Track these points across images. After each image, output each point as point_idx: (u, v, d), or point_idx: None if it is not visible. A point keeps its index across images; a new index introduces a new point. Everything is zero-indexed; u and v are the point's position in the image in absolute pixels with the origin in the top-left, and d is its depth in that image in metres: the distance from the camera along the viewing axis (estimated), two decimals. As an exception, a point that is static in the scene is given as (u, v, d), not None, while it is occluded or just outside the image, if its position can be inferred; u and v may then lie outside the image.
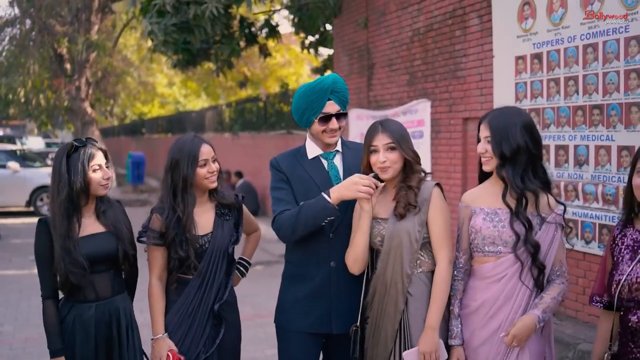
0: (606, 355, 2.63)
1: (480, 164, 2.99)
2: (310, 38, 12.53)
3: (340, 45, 9.99)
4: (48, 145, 34.19)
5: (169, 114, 30.74)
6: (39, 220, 3.12)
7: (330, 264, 3.12)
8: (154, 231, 3.15)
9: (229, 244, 3.23)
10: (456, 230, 3.03)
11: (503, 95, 6.16)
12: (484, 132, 2.85)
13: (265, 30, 12.26)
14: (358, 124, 9.16)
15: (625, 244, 2.59)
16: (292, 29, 12.33)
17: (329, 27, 11.52)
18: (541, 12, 5.68)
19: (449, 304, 2.93)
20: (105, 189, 3.12)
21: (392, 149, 2.93)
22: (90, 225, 3.13)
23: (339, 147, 3.26)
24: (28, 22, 19.16)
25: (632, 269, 2.51)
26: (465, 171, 6.97)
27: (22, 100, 19.16)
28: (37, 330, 6.04)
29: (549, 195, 2.86)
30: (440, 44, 7.30)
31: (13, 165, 15.53)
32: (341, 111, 3.16)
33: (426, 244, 2.93)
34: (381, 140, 2.95)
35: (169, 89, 32.30)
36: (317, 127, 3.15)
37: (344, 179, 3.11)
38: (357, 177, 2.92)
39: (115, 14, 20.73)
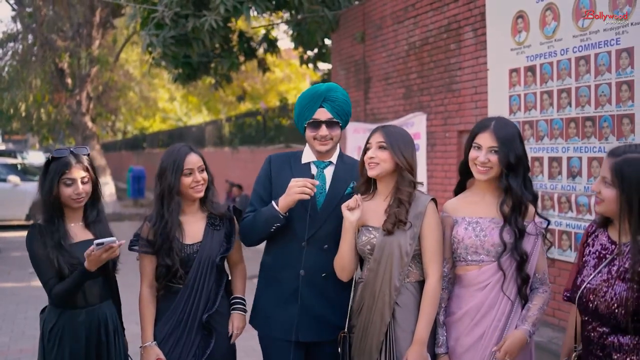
0: (573, 355, 2.63)
1: (464, 173, 3.01)
2: (309, 53, 12.61)
3: (337, 59, 10.05)
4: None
5: (169, 128, 30.84)
6: (31, 225, 3.12)
7: (299, 272, 3.13)
8: (143, 239, 3.16)
9: (217, 254, 3.21)
10: None
11: (497, 108, 6.18)
12: (488, 141, 2.84)
13: (264, 45, 12.35)
14: (355, 137, 9.18)
15: (594, 247, 2.59)
16: (292, 44, 12.41)
17: (327, 41, 11.61)
18: (534, 25, 5.73)
19: None
20: (77, 203, 3.10)
21: (383, 147, 2.94)
22: (80, 233, 3.15)
23: (333, 159, 3.26)
24: (30, 37, 19.27)
25: (592, 277, 2.49)
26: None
27: (24, 114, 19.22)
28: (32, 342, 6.05)
29: (534, 207, 2.90)
30: (435, 58, 7.34)
31: (14, 178, 15.53)
32: (332, 119, 3.16)
33: (416, 256, 2.93)
34: (375, 138, 2.98)
35: (170, 104, 32.41)
36: (308, 133, 3.19)
37: (327, 193, 3.17)
38: (292, 182, 3.01)
39: (116, 29, 20.84)
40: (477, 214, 2.90)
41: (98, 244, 2.84)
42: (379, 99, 8.72)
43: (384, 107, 8.59)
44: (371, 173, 2.96)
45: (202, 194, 3.22)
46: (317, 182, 3.03)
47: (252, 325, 3.32)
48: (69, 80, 18.92)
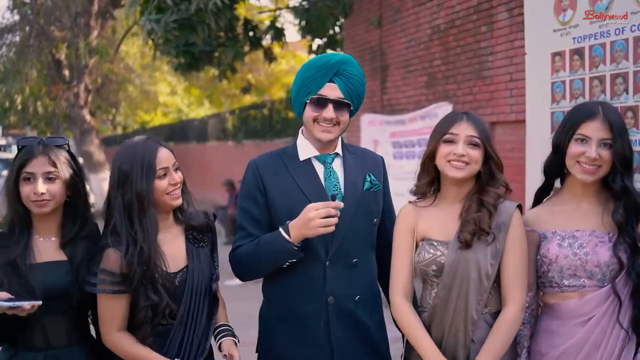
0: None
1: (550, 174, 2.37)
2: (318, 41, 12.01)
3: (351, 46, 9.45)
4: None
5: (171, 122, 30.28)
6: None
7: (327, 300, 2.44)
8: (111, 273, 2.31)
9: (210, 278, 2.49)
10: None
11: (537, 96, 5.55)
12: (600, 132, 2.22)
13: (270, 33, 11.78)
14: (370, 130, 8.56)
15: None
16: (298, 36, 11.86)
17: (337, 29, 11.03)
18: (582, 1, 5.07)
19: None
20: (37, 207, 2.35)
21: (476, 145, 2.29)
22: (49, 251, 2.40)
23: (338, 150, 2.58)
24: (27, 28, 18.68)
25: None
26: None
27: (19, 107, 18.60)
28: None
29: None
30: (463, 42, 6.75)
31: (6, 173, 14.98)
32: (343, 99, 2.46)
33: (495, 278, 2.28)
34: (465, 130, 2.31)
35: (172, 98, 31.83)
36: (308, 112, 2.48)
37: (345, 191, 2.45)
38: (311, 211, 2.27)
39: (115, 19, 20.21)
40: (572, 226, 2.27)
41: (8, 301, 2.13)
42: (397, 89, 8.10)
43: (403, 97, 7.97)
44: (457, 175, 2.30)
45: (180, 200, 2.47)
46: (341, 205, 2.32)
47: None
48: (67, 72, 18.31)
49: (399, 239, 2.41)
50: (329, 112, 2.45)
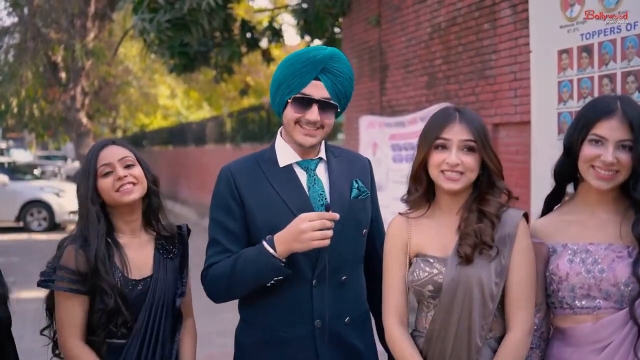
0: None
1: (561, 179, 2.09)
2: (317, 42, 11.80)
3: (349, 46, 9.23)
4: (48, 157, 33.50)
5: (170, 125, 30.09)
6: None
7: (314, 324, 2.18)
8: (67, 270, 2.19)
9: (176, 293, 2.30)
10: None
11: (543, 96, 5.31)
12: (617, 132, 1.93)
13: (267, 34, 11.56)
14: (369, 132, 8.30)
15: None
16: (298, 39, 11.65)
17: (337, 30, 10.80)
18: (591, -4, 4.82)
19: None
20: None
21: (471, 149, 2.01)
22: None
23: (322, 154, 2.31)
24: (23, 30, 18.51)
25: None
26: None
27: (15, 110, 18.42)
28: None
29: None
30: (464, 40, 6.48)
31: (2, 178, 14.80)
32: (329, 100, 2.18)
33: (500, 299, 2.01)
34: (458, 134, 2.02)
35: (172, 101, 31.66)
36: (289, 112, 2.20)
37: (331, 200, 2.17)
38: (304, 222, 2.00)
39: (113, 22, 20.03)
40: (585, 239, 2.00)
41: None
42: (397, 89, 7.86)
43: (403, 97, 7.72)
44: (453, 187, 2.03)
45: (134, 196, 2.27)
46: (336, 216, 2.06)
47: None
48: (63, 75, 18.12)
49: (390, 257, 2.15)
50: (314, 113, 2.17)
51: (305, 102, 2.17)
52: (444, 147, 2.03)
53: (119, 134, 36.71)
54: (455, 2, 6.61)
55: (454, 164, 2.00)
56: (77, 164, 24.73)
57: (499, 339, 2.01)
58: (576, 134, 2.02)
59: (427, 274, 2.03)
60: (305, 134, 2.20)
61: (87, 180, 2.26)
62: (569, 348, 2.00)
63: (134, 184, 2.28)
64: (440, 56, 6.92)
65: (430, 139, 2.06)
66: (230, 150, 16.52)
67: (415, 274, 2.06)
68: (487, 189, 2.04)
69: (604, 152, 1.93)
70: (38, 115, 18.88)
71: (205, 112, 31.15)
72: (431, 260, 2.05)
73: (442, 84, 6.89)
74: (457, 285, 1.97)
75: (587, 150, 1.97)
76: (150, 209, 2.36)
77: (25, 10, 17.81)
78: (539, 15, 5.45)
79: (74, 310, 2.19)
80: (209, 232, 2.28)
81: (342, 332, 2.22)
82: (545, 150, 5.02)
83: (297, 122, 2.20)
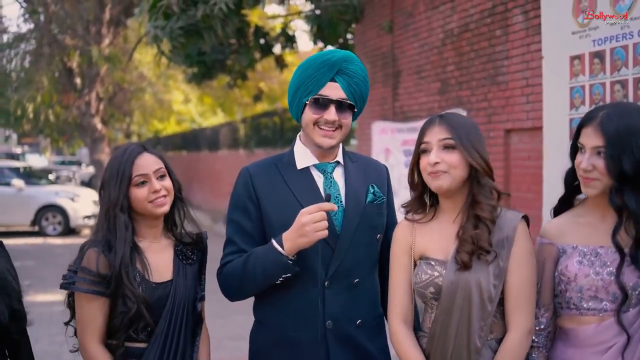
0: None
1: (572, 185, 2.12)
2: (330, 48, 11.86)
3: (362, 52, 9.23)
4: (62, 163, 33.76)
5: (184, 130, 30.23)
6: None
7: (325, 324, 2.22)
8: (90, 272, 2.20)
9: (195, 297, 2.33)
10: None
11: (555, 102, 5.30)
12: (593, 139, 1.97)
13: (281, 40, 11.64)
14: (382, 138, 8.31)
15: None
16: (311, 45, 11.75)
17: (349, 36, 10.85)
18: (603, 2, 4.81)
19: None
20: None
21: (450, 147, 2.06)
22: None
23: (339, 158, 2.36)
24: (39, 36, 18.69)
25: None
26: (508, 191, 6.07)
27: (31, 116, 18.60)
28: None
29: None
30: (477, 46, 6.49)
31: (18, 182, 14.93)
32: (346, 100, 2.24)
33: (501, 300, 2.05)
34: (435, 135, 2.09)
35: (186, 106, 31.81)
36: (308, 114, 2.27)
37: (346, 204, 2.23)
38: (304, 215, 2.07)
39: (128, 28, 20.19)
40: (595, 241, 2.01)
41: None
42: (409, 95, 7.86)
43: (415, 104, 7.72)
44: (437, 185, 2.08)
45: (166, 208, 2.31)
46: (335, 208, 2.13)
47: None
48: (78, 80, 18.27)
49: (396, 259, 2.21)
50: (331, 113, 2.24)
51: (323, 103, 2.24)
52: (426, 150, 2.10)
53: (134, 139, 36.96)
54: (468, 9, 6.61)
55: (433, 162, 2.06)
56: (91, 169, 24.92)
57: (500, 340, 2.04)
58: (573, 142, 2.08)
59: (428, 276, 2.08)
60: (324, 135, 2.25)
61: (118, 187, 2.25)
62: (571, 349, 2.02)
63: (165, 196, 2.32)
64: (452, 62, 6.92)
65: (417, 146, 2.15)
66: (244, 156, 16.57)
67: (418, 276, 2.11)
68: (478, 190, 2.08)
69: (582, 159, 2.00)
70: (53, 120, 19.03)
71: (219, 118, 31.26)
72: (433, 263, 2.10)
73: (455, 90, 6.89)
74: (457, 288, 2.01)
75: (577, 158, 2.05)
76: (172, 216, 2.40)
77: (42, 16, 17.96)
78: (550, 21, 5.44)
79: (94, 312, 2.21)
80: (226, 232, 2.33)
81: (354, 335, 2.25)
82: (557, 156, 5.01)
83: (316, 123, 2.25)
